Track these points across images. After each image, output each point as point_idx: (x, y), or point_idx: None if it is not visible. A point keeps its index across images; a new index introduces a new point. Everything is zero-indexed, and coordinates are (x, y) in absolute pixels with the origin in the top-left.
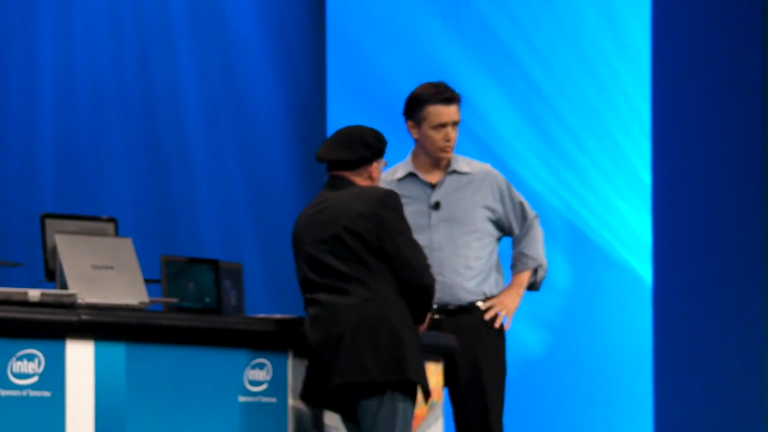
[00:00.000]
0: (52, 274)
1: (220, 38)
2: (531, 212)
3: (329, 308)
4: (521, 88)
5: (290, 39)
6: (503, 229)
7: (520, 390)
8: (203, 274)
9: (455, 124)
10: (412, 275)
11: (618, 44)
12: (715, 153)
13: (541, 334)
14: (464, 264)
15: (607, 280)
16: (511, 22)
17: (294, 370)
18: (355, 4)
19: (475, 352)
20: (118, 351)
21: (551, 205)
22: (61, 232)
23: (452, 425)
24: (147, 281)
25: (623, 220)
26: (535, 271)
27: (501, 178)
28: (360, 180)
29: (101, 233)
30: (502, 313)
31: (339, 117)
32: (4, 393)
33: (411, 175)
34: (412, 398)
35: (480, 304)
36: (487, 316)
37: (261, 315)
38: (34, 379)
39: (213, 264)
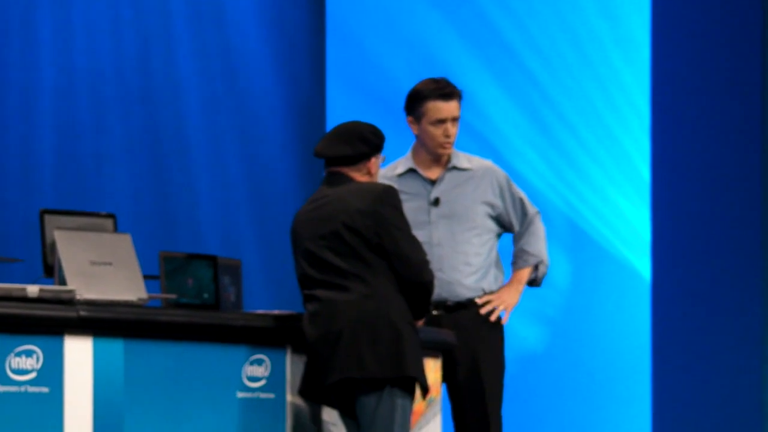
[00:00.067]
0: (51, 270)
1: (220, 38)
2: (532, 208)
3: (328, 304)
4: (521, 84)
5: (290, 39)
6: (503, 225)
7: (519, 386)
8: (202, 270)
9: (455, 119)
10: (411, 271)
11: (618, 41)
12: (715, 150)
13: (540, 330)
14: (464, 260)
15: (606, 277)
16: (511, 19)
17: (292, 366)
18: (355, 4)
19: (473, 349)
20: (117, 347)
21: (550, 201)
22: (60, 227)
23: (450, 421)
24: (146, 277)
25: (622, 216)
26: (535, 267)
27: (501, 173)
28: (358, 176)
29: (100, 229)
30: (500, 308)
31: (339, 116)
32: (3, 389)
33: (411, 171)
34: (411, 394)
35: (478, 299)
36: (483, 311)
37: (259, 311)
38: (33, 374)
39: (212, 260)
